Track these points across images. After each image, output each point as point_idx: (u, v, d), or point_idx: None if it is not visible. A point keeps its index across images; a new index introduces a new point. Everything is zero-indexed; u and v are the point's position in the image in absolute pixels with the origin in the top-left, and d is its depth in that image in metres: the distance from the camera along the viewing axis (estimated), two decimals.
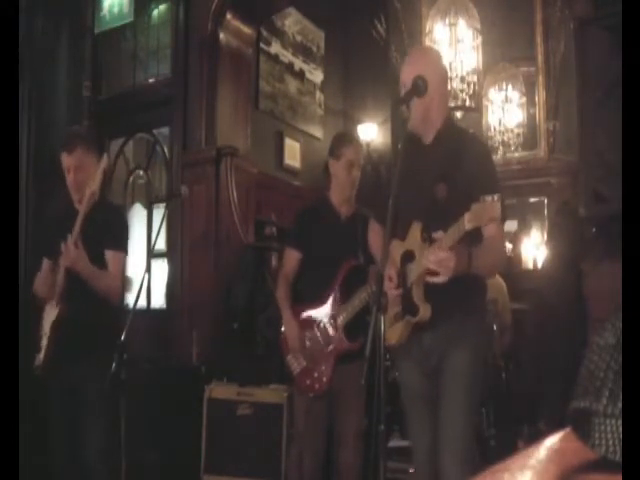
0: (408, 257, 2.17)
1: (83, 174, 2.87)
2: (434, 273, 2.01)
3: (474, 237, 2.05)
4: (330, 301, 2.91)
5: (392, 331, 2.20)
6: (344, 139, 3.10)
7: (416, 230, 2.15)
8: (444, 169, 2.20)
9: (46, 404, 2.87)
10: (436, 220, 2.07)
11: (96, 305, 2.80)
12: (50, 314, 2.81)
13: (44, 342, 2.80)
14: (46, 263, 2.98)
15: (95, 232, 2.76)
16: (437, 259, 1.98)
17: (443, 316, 2.13)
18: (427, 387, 2.24)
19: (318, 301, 2.94)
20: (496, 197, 1.83)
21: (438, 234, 2.01)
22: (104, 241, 2.84)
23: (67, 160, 2.86)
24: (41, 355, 2.80)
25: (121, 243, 2.96)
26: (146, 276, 2.81)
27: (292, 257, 3.06)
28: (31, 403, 3.07)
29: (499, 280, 4.36)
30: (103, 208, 2.89)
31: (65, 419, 2.82)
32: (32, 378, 2.81)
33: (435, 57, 2.42)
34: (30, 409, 3.15)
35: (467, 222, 1.87)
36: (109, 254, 2.86)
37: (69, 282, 2.75)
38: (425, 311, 2.10)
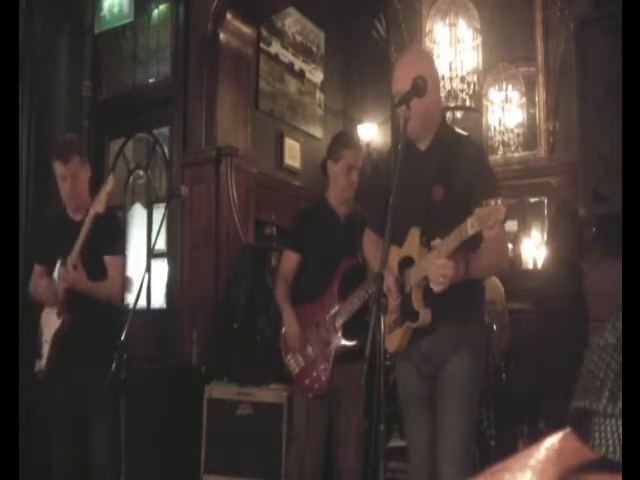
0: (406, 263, 2.16)
1: (79, 183, 2.88)
2: (433, 280, 2.01)
3: (474, 239, 2.05)
4: (329, 300, 2.91)
5: (391, 338, 2.19)
6: (343, 141, 3.06)
7: (414, 235, 2.14)
8: (440, 173, 2.19)
9: (47, 406, 2.87)
10: (434, 224, 2.07)
11: (98, 311, 2.81)
12: (51, 322, 2.81)
13: (46, 349, 2.80)
14: (38, 268, 2.98)
15: (92, 240, 2.75)
16: (436, 266, 1.97)
17: (442, 320, 2.13)
18: (425, 389, 2.23)
19: (317, 301, 2.94)
20: (500, 200, 1.82)
21: (436, 242, 2.01)
22: (102, 248, 2.85)
23: (63, 169, 2.85)
24: (42, 361, 2.81)
25: (118, 247, 2.98)
26: (146, 276, 2.81)
27: (290, 259, 3.06)
28: (32, 405, 3.08)
29: (496, 281, 4.36)
30: (95, 220, 2.86)
31: (67, 420, 2.82)
32: (32, 381, 2.82)
33: (430, 59, 2.42)
34: (30, 410, 3.15)
35: (470, 227, 1.86)
36: (107, 259, 2.88)
37: (70, 295, 2.76)
38: (425, 316, 2.09)
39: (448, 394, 2.16)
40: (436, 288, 2.01)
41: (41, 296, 2.87)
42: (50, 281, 2.84)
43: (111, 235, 2.92)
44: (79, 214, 2.91)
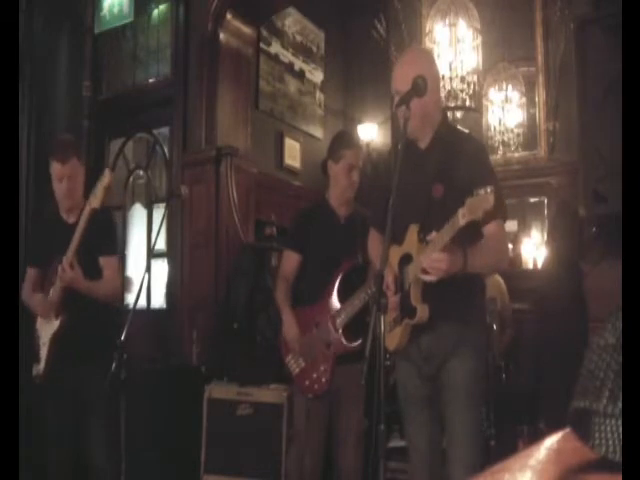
0: (405, 260, 2.17)
1: (75, 183, 2.87)
2: (428, 272, 2.01)
3: (474, 236, 2.05)
4: (329, 302, 2.91)
5: (391, 337, 2.18)
6: (344, 141, 3.05)
7: (413, 232, 2.14)
8: (440, 171, 2.19)
9: (45, 406, 2.87)
10: (434, 220, 2.07)
11: (96, 311, 2.81)
12: (48, 325, 2.81)
13: (43, 352, 2.80)
14: (31, 271, 2.97)
15: (87, 239, 2.74)
16: (430, 259, 1.97)
17: (442, 319, 2.12)
18: (425, 389, 2.23)
19: (317, 302, 2.93)
20: (489, 189, 1.81)
21: (432, 235, 2.01)
22: (96, 248, 2.84)
23: (61, 169, 2.83)
24: (41, 365, 2.80)
25: (112, 247, 2.97)
26: (146, 276, 2.80)
27: (291, 259, 3.05)
28: (30, 405, 3.07)
29: (498, 278, 4.36)
30: (91, 216, 2.85)
31: (65, 420, 2.82)
32: (30, 381, 2.81)
33: (430, 58, 2.42)
34: (29, 411, 3.14)
35: (461, 217, 1.86)
36: (102, 260, 2.87)
37: (67, 295, 2.75)
38: (423, 312, 2.09)
39: (450, 396, 2.15)
40: (427, 278, 2.00)
41: (35, 309, 2.87)
42: (44, 297, 2.82)
43: (105, 235, 2.91)
44: (73, 216, 2.89)
